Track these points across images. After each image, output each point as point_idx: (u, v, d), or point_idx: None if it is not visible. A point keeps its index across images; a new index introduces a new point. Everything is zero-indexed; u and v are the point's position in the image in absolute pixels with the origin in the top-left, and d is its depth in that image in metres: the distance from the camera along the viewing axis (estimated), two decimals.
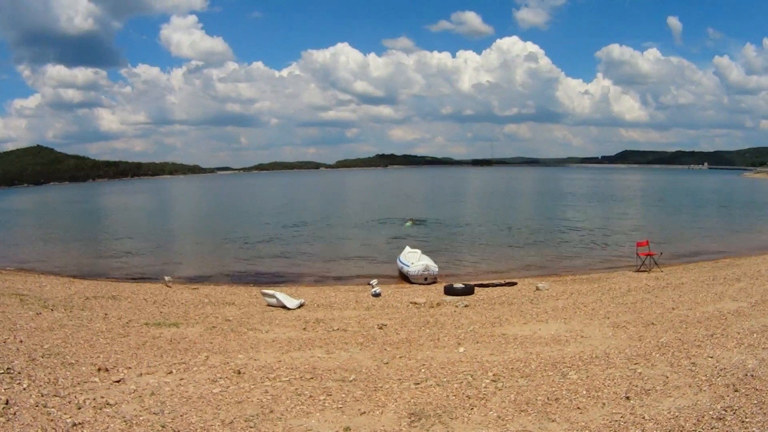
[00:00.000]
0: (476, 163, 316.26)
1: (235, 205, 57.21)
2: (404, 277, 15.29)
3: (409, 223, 27.39)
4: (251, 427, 4.92)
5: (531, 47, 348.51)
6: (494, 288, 13.13)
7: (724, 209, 40.71)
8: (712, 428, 4.65)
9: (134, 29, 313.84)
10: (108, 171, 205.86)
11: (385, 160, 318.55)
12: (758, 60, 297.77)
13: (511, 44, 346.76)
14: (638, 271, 15.18)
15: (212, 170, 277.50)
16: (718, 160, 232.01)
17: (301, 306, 11.22)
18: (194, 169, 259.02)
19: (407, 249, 17.06)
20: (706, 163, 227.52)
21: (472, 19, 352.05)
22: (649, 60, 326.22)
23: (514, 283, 13.68)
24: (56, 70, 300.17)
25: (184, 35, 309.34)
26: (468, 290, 12.39)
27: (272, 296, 11.32)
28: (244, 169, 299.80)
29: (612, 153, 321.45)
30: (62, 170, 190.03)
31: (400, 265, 15.87)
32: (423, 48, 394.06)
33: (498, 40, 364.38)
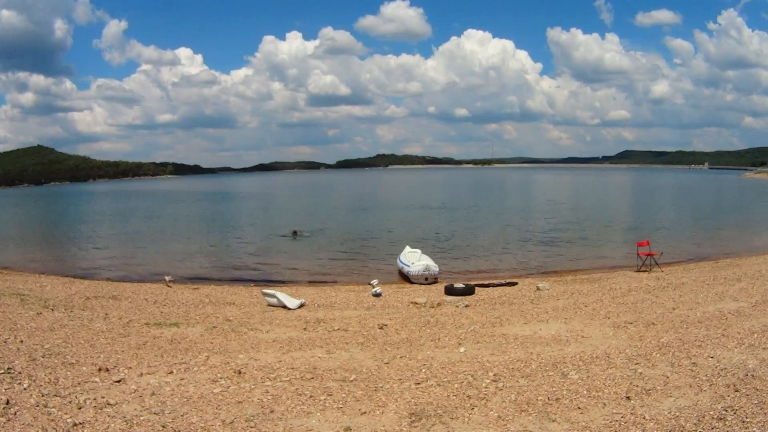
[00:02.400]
0: (477, 163, 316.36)
1: (235, 205, 57.22)
2: (404, 277, 15.29)
3: (296, 235, 26.02)
4: (252, 427, 4.92)
5: (488, 42, 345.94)
6: (495, 288, 13.13)
7: (725, 209, 40.68)
8: (712, 428, 4.65)
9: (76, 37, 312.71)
10: (109, 171, 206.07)
11: (386, 160, 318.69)
12: (719, 49, 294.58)
13: (470, 40, 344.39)
14: (639, 271, 15.17)
15: (213, 170, 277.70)
16: (719, 159, 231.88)
17: (301, 306, 11.22)
18: (195, 169, 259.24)
19: (407, 249, 17.06)
20: (706, 163, 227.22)
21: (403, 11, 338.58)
22: (611, 52, 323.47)
23: (515, 283, 13.68)
24: (17, 77, 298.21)
25: (120, 42, 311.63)
26: (468, 290, 12.39)
27: (273, 296, 11.32)
28: (245, 169, 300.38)
29: (612, 153, 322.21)
30: (63, 170, 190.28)
31: (400, 265, 15.86)
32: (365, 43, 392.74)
33: (455, 37, 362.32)
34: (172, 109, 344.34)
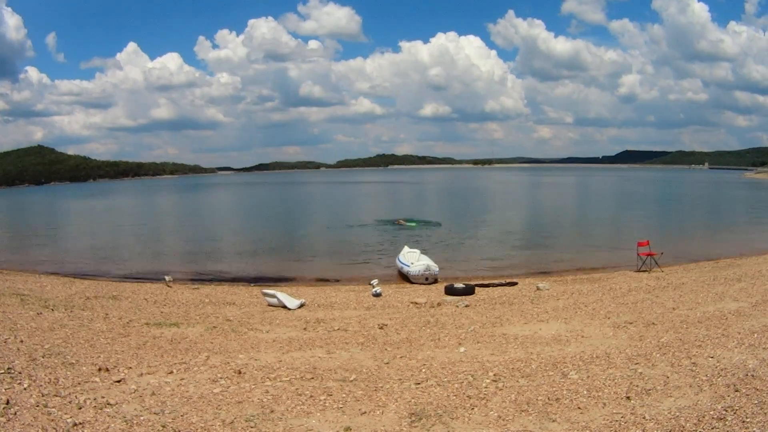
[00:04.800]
0: (477, 163, 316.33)
1: (236, 205, 57.25)
2: (404, 277, 15.27)
3: (413, 224, 25.67)
4: (252, 427, 4.92)
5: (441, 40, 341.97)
6: (495, 288, 13.13)
7: (725, 209, 40.66)
8: (712, 428, 4.65)
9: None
10: (109, 171, 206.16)
11: (385, 160, 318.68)
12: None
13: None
14: (639, 271, 15.17)
15: (213, 170, 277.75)
16: (719, 159, 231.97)
17: (301, 306, 11.22)
18: (195, 169, 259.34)
19: (406, 249, 17.05)
20: (706, 163, 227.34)
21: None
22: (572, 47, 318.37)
23: (515, 283, 13.68)
24: None
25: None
26: (469, 290, 12.38)
27: (273, 296, 11.32)
28: (244, 169, 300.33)
29: (611, 153, 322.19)
30: (63, 170, 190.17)
31: (400, 265, 15.85)
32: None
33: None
34: (144, 112, 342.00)
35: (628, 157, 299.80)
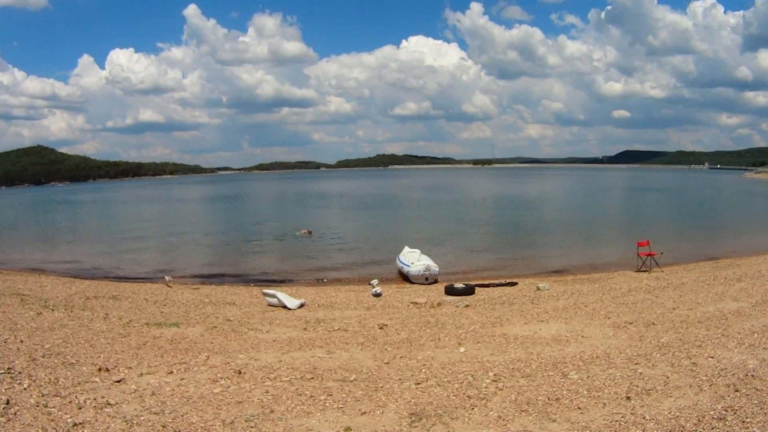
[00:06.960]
0: (477, 163, 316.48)
1: (235, 205, 57.26)
2: (404, 277, 15.28)
3: (301, 233, 26.30)
4: (252, 427, 4.92)
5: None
6: (495, 288, 13.13)
7: (725, 209, 40.64)
8: (712, 428, 4.65)
9: None
10: (109, 171, 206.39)
11: (386, 160, 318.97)
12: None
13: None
14: (639, 271, 15.17)
15: (213, 170, 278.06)
16: (719, 160, 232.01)
17: (301, 306, 11.22)
18: (195, 169, 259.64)
19: (406, 249, 17.05)
20: (706, 163, 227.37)
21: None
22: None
23: (515, 283, 13.68)
24: None
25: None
26: (469, 290, 12.39)
27: (273, 296, 11.33)
28: (244, 169, 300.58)
29: (611, 153, 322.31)
30: (63, 170, 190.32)
31: (400, 265, 15.85)
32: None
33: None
34: (121, 115, 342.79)
35: (628, 157, 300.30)
